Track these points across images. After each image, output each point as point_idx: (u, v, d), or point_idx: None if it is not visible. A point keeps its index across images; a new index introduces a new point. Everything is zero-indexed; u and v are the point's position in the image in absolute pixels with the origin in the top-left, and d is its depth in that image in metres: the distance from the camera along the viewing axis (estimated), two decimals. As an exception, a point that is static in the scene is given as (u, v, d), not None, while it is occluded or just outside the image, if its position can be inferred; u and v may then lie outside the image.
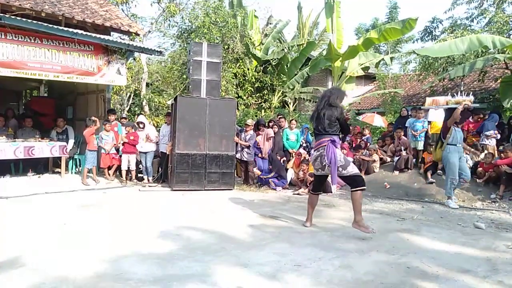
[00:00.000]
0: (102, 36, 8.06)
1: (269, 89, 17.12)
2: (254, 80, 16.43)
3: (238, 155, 8.20)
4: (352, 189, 4.33)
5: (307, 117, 16.06)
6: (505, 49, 8.90)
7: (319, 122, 4.47)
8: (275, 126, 8.74)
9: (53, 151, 7.83)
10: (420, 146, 8.39)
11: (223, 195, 7.06)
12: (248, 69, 16.36)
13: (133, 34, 9.99)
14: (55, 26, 7.26)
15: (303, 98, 17.38)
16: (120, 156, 8.40)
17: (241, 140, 8.13)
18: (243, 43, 15.87)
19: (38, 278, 2.90)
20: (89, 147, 7.79)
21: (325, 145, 4.34)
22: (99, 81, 8.23)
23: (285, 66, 16.28)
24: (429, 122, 8.51)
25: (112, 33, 9.80)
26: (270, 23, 19.17)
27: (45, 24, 7.13)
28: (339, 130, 4.51)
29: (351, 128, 8.69)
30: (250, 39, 16.59)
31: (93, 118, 7.97)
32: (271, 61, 16.71)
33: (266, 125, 8.82)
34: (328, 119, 4.39)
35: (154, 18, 14.24)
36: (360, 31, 26.52)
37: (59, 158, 8.03)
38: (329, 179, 4.96)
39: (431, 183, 7.45)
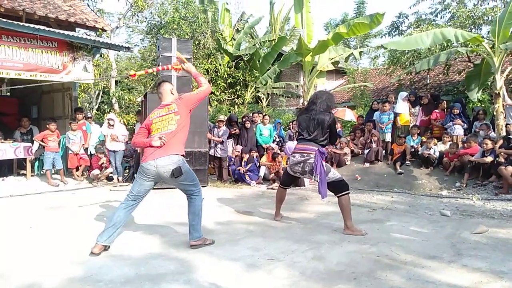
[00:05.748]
0: (66, 32, 7.79)
1: (241, 84, 17.05)
2: (226, 76, 16.32)
3: (211, 152, 8.16)
4: (338, 195, 4.13)
5: (280, 113, 16.14)
6: (467, 43, 9.25)
7: (308, 126, 4.20)
8: (248, 122, 8.74)
9: (18, 153, 7.53)
10: (388, 138, 8.65)
11: (196, 192, 6.99)
12: (220, 65, 16.23)
13: (100, 30, 9.70)
14: (16, 22, 6.96)
15: (276, 94, 17.45)
16: (89, 155, 8.18)
17: (213, 136, 8.09)
18: (214, 38, 15.73)
19: (3, 285, 2.78)
20: (46, 149, 7.56)
21: (313, 154, 4.08)
22: (64, 78, 7.97)
23: (257, 62, 16.26)
24: (397, 114, 8.75)
25: (77, 29, 9.48)
26: (242, 19, 19.07)
27: (5, 20, 6.82)
28: (327, 140, 4.25)
29: None
30: (222, 34, 16.46)
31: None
32: (243, 56, 16.64)
33: (239, 121, 8.82)
34: (319, 125, 4.13)
35: (121, 13, 13.91)
36: (329, 26, 26.81)
37: (24, 159, 7.74)
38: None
39: (400, 174, 7.68)
